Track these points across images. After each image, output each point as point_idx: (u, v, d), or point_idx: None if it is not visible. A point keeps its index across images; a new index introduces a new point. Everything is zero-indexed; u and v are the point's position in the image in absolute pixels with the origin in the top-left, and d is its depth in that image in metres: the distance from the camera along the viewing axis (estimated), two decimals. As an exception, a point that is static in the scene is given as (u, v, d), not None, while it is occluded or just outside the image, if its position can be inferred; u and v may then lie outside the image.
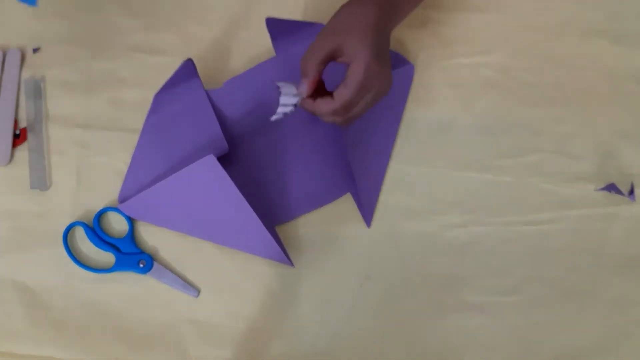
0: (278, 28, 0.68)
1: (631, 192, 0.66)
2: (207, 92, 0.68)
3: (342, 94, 0.55)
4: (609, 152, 0.68)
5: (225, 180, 0.61)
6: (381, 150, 0.67)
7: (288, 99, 0.57)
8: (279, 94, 0.57)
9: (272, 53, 0.70)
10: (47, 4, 0.74)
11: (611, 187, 0.67)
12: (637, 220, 0.66)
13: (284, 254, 0.63)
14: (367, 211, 0.66)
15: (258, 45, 0.72)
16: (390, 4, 0.59)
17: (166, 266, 0.65)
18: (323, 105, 0.56)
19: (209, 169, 0.61)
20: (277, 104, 0.68)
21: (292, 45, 0.69)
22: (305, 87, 0.56)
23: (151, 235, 0.66)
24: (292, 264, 0.64)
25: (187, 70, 0.65)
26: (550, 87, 0.71)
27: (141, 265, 0.64)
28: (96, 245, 0.65)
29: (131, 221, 0.65)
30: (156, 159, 0.66)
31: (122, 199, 0.65)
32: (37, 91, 0.70)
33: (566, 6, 0.74)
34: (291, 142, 0.69)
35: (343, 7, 0.58)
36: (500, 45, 0.72)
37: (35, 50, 0.72)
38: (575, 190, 0.67)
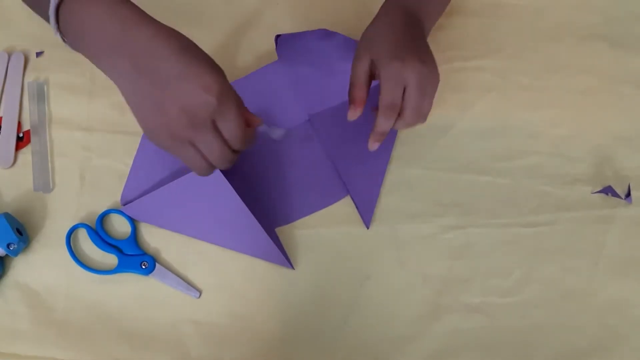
0: (285, 41, 0.68)
1: (628, 194, 0.67)
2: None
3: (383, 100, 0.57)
4: (606, 155, 0.69)
5: (226, 188, 0.61)
6: (380, 152, 0.68)
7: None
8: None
9: (275, 56, 0.71)
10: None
11: (608, 190, 0.67)
12: (634, 222, 0.66)
13: (284, 257, 0.64)
14: (366, 213, 0.66)
15: (261, 49, 0.72)
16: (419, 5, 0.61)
17: (168, 267, 0.65)
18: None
19: (210, 177, 0.61)
20: (278, 110, 0.69)
21: (294, 49, 0.70)
22: (357, 113, 0.58)
23: (153, 237, 0.66)
24: (292, 267, 0.65)
25: None
26: (547, 90, 0.71)
27: (143, 267, 0.64)
28: (99, 247, 0.65)
29: (134, 223, 0.66)
30: (158, 161, 0.66)
31: (124, 201, 0.66)
32: (41, 94, 0.71)
33: (564, 10, 0.75)
34: (292, 145, 0.69)
35: (373, 22, 0.60)
36: (498, 49, 0.73)
37: (38, 54, 0.73)
38: (573, 193, 0.67)
